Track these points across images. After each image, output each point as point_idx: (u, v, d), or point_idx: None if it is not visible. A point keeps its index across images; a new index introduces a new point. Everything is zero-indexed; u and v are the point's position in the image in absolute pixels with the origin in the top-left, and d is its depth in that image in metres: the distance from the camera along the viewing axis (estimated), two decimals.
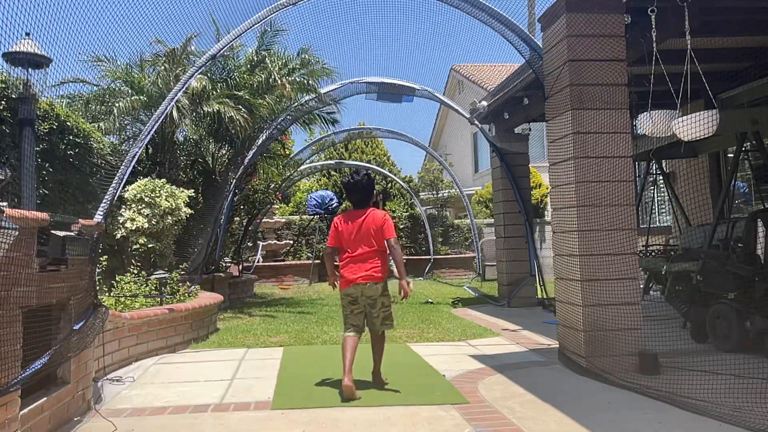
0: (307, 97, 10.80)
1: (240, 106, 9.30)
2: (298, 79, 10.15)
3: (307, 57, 10.70)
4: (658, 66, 4.80)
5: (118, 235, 7.69)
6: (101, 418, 3.94)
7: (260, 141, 10.93)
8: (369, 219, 4.46)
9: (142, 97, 8.97)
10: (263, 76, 9.90)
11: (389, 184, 22.11)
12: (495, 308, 9.80)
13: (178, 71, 8.78)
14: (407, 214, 19.21)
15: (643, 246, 8.09)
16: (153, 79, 9.02)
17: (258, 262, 16.50)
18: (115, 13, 5.68)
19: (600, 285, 4.98)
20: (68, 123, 6.79)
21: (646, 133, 5.29)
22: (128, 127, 9.62)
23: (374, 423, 3.81)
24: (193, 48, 9.31)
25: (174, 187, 8.19)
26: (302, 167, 17.15)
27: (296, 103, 10.91)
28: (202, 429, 3.79)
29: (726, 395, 3.87)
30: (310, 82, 10.29)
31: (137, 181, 7.98)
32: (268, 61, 10.17)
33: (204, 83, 9.37)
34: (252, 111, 9.53)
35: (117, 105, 8.74)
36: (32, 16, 4.40)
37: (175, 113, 8.66)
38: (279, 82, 9.56)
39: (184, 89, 6.99)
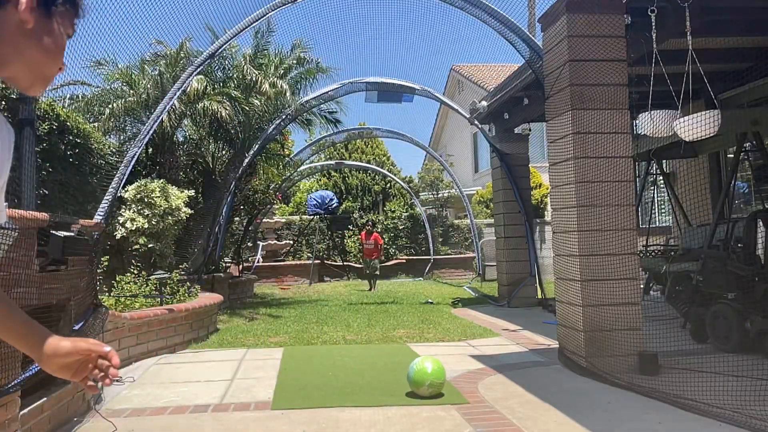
0: (308, 97, 10.81)
1: (225, 101, 9.34)
2: (294, 80, 10.17)
3: (302, 56, 10.72)
4: (658, 66, 4.80)
5: (118, 236, 7.68)
6: (101, 418, 3.93)
7: (260, 140, 10.94)
8: None
9: (141, 98, 8.97)
10: (252, 76, 9.92)
11: (388, 184, 22.10)
12: (495, 308, 9.80)
13: (177, 71, 8.79)
14: (407, 214, 19.20)
15: (643, 246, 8.09)
16: (150, 82, 9.02)
17: (258, 262, 16.48)
18: (116, 14, 5.68)
19: (600, 285, 4.97)
20: (68, 123, 6.79)
21: (647, 133, 5.28)
22: (128, 128, 9.62)
23: (374, 423, 3.80)
24: (189, 44, 9.36)
25: (174, 187, 8.19)
26: (302, 167, 17.14)
27: (295, 103, 10.90)
28: (202, 429, 3.79)
29: (726, 395, 3.86)
30: (299, 84, 10.31)
31: (137, 181, 7.98)
32: (260, 61, 10.21)
33: (204, 83, 9.38)
34: (236, 105, 9.57)
35: (111, 106, 8.74)
36: None
37: (172, 115, 8.68)
38: (258, 82, 9.61)
39: (183, 88, 6.99)
